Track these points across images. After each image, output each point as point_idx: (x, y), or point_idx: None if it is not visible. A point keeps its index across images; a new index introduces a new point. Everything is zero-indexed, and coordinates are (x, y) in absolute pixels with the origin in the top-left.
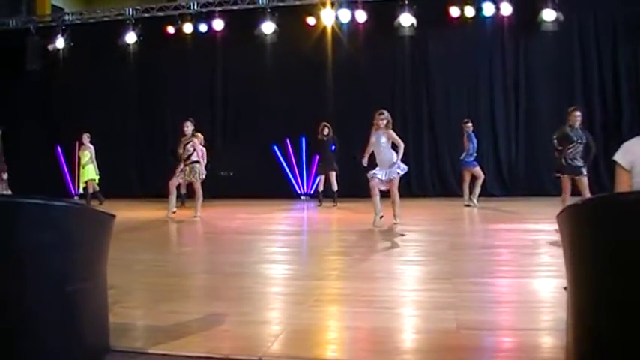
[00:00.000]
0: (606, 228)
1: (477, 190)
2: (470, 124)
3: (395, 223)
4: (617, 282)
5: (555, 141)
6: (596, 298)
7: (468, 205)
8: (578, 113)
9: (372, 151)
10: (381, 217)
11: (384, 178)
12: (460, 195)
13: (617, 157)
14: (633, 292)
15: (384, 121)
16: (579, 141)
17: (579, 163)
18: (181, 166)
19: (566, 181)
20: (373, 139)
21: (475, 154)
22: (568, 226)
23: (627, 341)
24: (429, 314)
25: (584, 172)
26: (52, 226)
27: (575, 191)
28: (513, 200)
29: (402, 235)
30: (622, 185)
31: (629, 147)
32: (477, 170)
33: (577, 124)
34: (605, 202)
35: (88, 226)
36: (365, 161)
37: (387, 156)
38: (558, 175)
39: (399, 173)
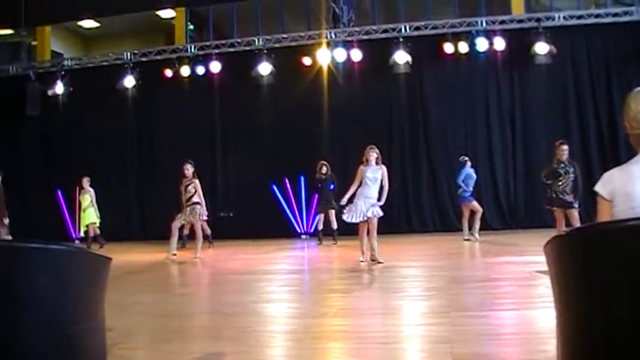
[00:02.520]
0: (589, 257)
1: (477, 225)
2: (461, 158)
3: (379, 262)
4: (601, 312)
5: (544, 177)
6: (581, 328)
7: (467, 240)
8: (565, 147)
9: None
10: (372, 252)
11: (363, 212)
12: (460, 229)
13: (598, 187)
14: (616, 322)
15: (375, 156)
16: (567, 174)
17: (569, 197)
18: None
19: (558, 214)
20: (366, 173)
21: (471, 189)
22: (553, 257)
23: None
24: (424, 348)
25: (575, 206)
26: (49, 270)
27: (569, 223)
28: (513, 233)
29: (401, 270)
30: (603, 215)
31: (609, 177)
32: (475, 204)
33: (564, 158)
34: (587, 232)
35: (85, 268)
36: (345, 200)
37: (372, 193)
38: (550, 207)
39: (376, 215)
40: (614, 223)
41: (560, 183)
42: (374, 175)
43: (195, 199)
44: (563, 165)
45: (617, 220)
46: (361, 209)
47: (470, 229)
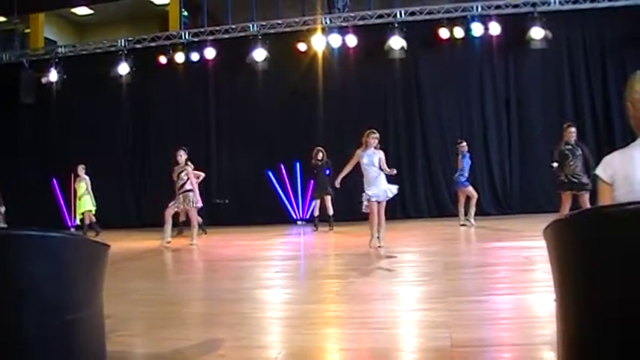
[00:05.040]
0: (589, 240)
1: (473, 210)
2: (463, 144)
3: (380, 246)
4: (601, 294)
5: (552, 159)
6: (582, 312)
7: (463, 225)
8: (573, 129)
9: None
10: (378, 237)
11: (380, 199)
12: (455, 214)
13: (599, 170)
14: (616, 304)
15: (376, 141)
16: (575, 155)
17: (583, 178)
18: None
19: (566, 197)
20: (362, 159)
21: (467, 174)
22: (554, 241)
23: (611, 352)
24: (423, 333)
25: (589, 188)
26: (49, 257)
27: (575, 207)
28: (508, 218)
29: (398, 256)
30: (604, 199)
31: (610, 160)
32: (470, 190)
33: (572, 140)
34: (587, 215)
35: (84, 256)
36: (338, 182)
37: (378, 176)
38: (561, 191)
39: (388, 197)
40: (614, 206)
41: (570, 164)
42: (370, 159)
43: (187, 186)
44: (570, 146)
45: (618, 204)
46: (379, 195)
47: (465, 214)
